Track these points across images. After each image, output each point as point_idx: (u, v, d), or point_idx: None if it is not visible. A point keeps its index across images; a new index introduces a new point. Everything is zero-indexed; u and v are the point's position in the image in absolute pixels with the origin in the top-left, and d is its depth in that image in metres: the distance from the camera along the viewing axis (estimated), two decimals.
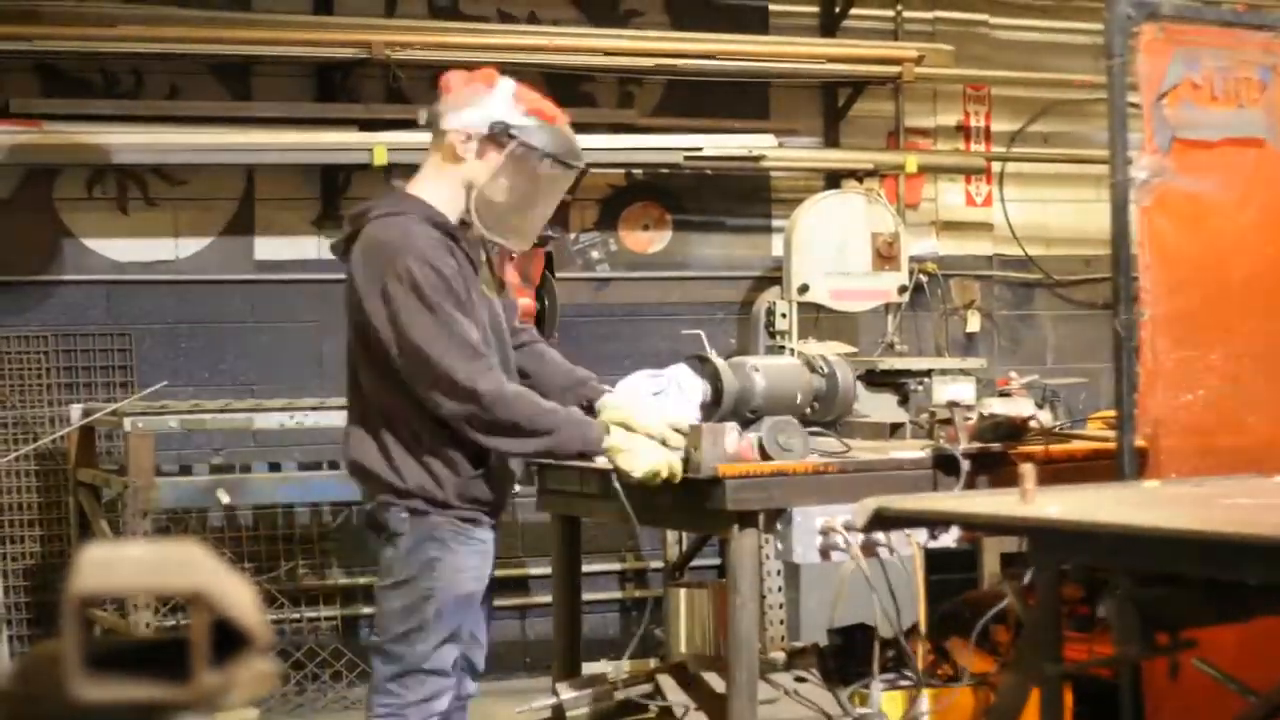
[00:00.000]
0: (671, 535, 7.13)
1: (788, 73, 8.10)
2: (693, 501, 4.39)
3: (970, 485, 4.48)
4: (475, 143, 4.06)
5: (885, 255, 7.72)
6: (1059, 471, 4.42)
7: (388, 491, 4.07)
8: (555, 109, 4.25)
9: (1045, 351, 8.74)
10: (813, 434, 4.77)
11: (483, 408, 3.95)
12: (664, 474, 4.15)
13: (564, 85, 7.81)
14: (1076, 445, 4.89)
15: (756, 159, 7.88)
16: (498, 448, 4.05)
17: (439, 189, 4.10)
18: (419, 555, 4.07)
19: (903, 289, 7.79)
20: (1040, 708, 3.46)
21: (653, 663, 5.74)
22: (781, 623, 7.43)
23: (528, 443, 4.06)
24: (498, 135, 4.06)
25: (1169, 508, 3.57)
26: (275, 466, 7.16)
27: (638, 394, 4.49)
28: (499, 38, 7.59)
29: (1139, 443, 4.41)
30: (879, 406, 5.91)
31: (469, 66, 7.28)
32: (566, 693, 5.04)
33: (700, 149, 7.73)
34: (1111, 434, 4.59)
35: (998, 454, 4.63)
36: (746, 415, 4.81)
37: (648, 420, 4.21)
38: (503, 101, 4.12)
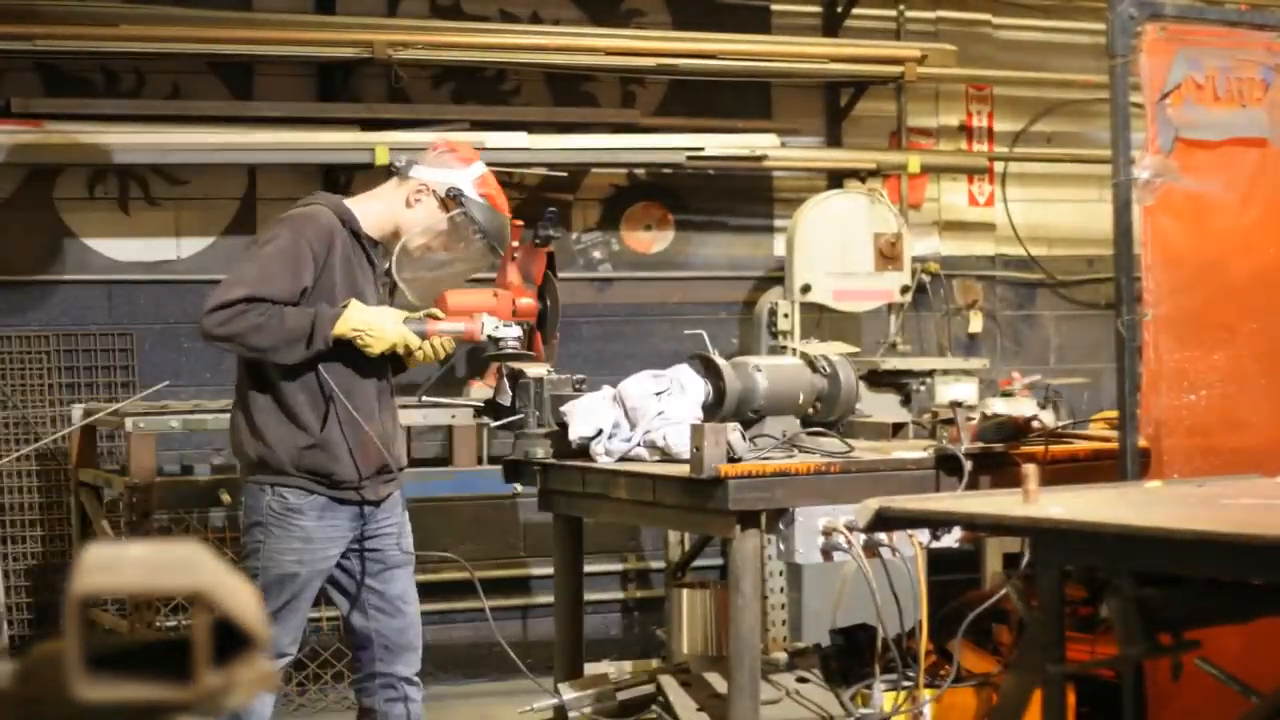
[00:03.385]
0: (674, 536, 7.12)
1: (790, 72, 8.09)
2: (695, 502, 4.39)
3: (972, 485, 4.47)
4: (428, 197, 4.55)
5: (888, 255, 7.72)
6: (1061, 472, 4.42)
7: (241, 467, 4.50)
8: (505, 203, 4.72)
9: (1048, 352, 8.74)
10: (815, 434, 4.77)
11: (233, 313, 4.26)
12: (401, 349, 4.44)
13: (566, 85, 7.82)
14: (1079, 445, 4.89)
15: (759, 159, 7.88)
16: (260, 357, 4.33)
17: (373, 211, 4.55)
18: (245, 538, 4.50)
19: (905, 289, 7.79)
20: (1043, 708, 3.46)
21: (655, 663, 5.73)
22: (783, 623, 7.43)
23: (280, 349, 4.31)
24: (449, 199, 4.54)
25: (1171, 508, 3.57)
26: None
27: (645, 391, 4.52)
28: (501, 37, 7.59)
29: (1141, 443, 4.41)
30: (881, 406, 5.93)
31: (471, 66, 7.25)
32: (568, 693, 5.04)
33: (702, 149, 7.73)
34: (1114, 434, 4.59)
35: (1000, 454, 4.62)
36: (749, 415, 4.81)
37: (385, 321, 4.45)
38: (468, 177, 4.61)
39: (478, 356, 6.36)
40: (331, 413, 4.38)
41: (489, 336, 4.69)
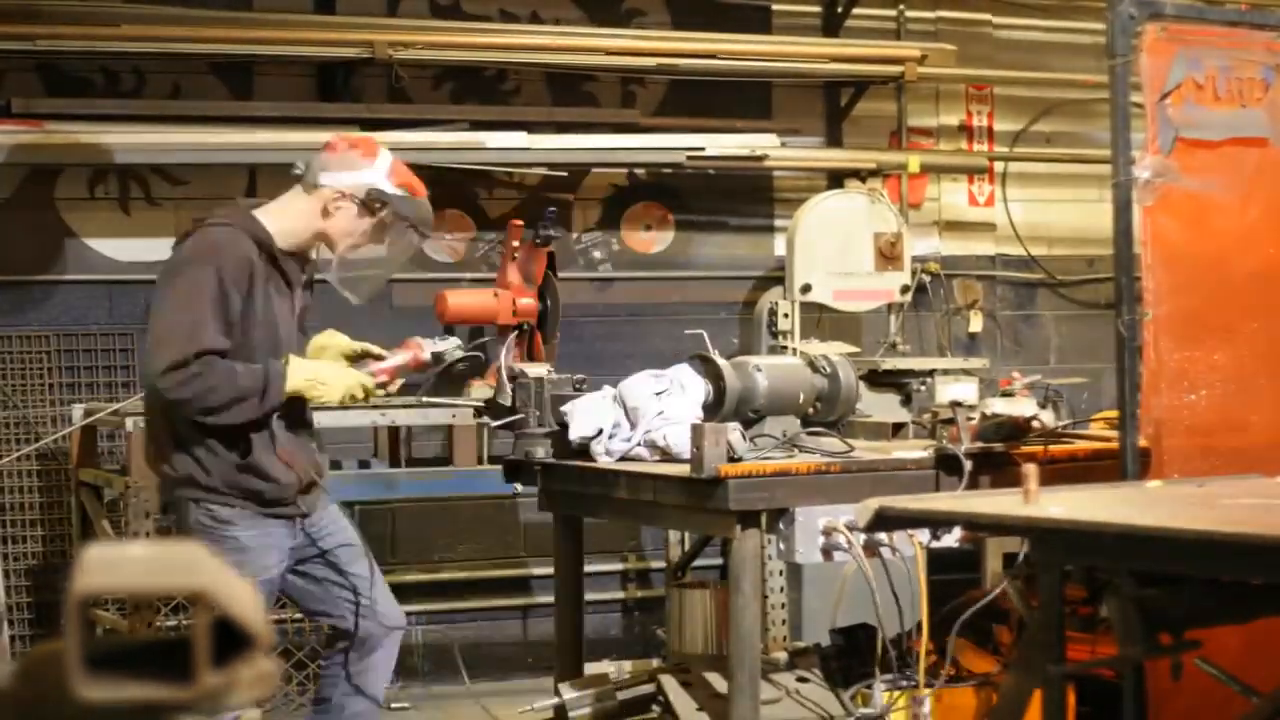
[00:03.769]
0: (674, 535, 7.13)
1: (790, 72, 8.09)
2: (695, 502, 4.39)
3: (972, 485, 4.48)
4: (346, 203, 4.45)
5: (888, 255, 7.72)
6: (1061, 471, 4.42)
7: (166, 481, 4.40)
8: (420, 183, 4.62)
9: (1048, 351, 8.74)
10: (815, 434, 4.77)
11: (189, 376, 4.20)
12: (359, 394, 4.45)
13: (566, 85, 7.82)
14: (1079, 445, 4.89)
15: (759, 159, 7.88)
16: (209, 420, 4.27)
17: (286, 223, 4.45)
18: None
19: (905, 289, 7.79)
20: (1043, 708, 3.46)
21: (655, 663, 5.73)
22: (783, 623, 7.43)
23: (232, 413, 4.25)
24: (371, 201, 4.44)
25: (1172, 508, 3.57)
26: None
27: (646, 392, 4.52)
28: (501, 37, 7.59)
29: (1142, 443, 4.41)
30: (881, 406, 5.93)
31: (471, 66, 7.26)
32: (569, 693, 5.04)
33: (703, 149, 7.73)
34: (1114, 434, 4.59)
35: (1000, 454, 4.63)
36: (749, 415, 4.81)
37: (333, 371, 4.46)
38: (379, 172, 4.50)
39: (476, 359, 6.36)
40: (254, 435, 4.34)
41: (432, 354, 4.70)
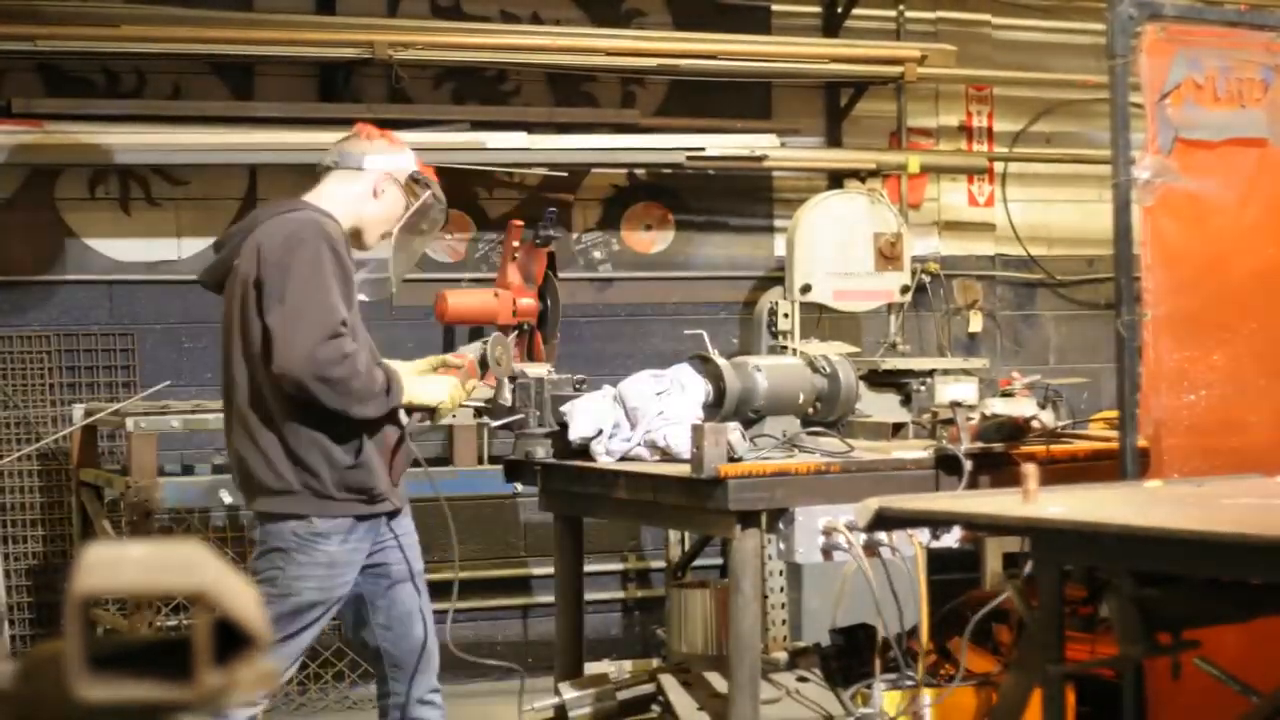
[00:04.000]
0: (674, 535, 7.13)
1: (790, 73, 8.10)
2: (695, 502, 4.39)
3: (972, 485, 4.48)
4: (393, 186, 4.46)
5: (888, 255, 7.72)
6: (1061, 471, 4.42)
7: (267, 494, 4.22)
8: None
9: (1047, 351, 8.74)
10: (815, 434, 4.77)
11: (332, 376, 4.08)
12: (462, 400, 4.50)
13: (566, 85, 7.82)
14: (1078, 445, 4.89)
15: (759, 159, 7.88)
16: (345, 410, 4.14)
17: (338, 208, 4.37)
18: (261, 564, 4.24)
19: (905, 289, 7.79)
20: (1042, 708, 3.46)
21: (655, 662, 5.73)
22: (783, 623, 7.43)
23: (367, 405, 4.16)
24: (413, 184, 4.50)
25: (1171, 508, 3.57)
26: None
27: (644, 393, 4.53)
28: (501, 38, 7.60)
29: (1141, 443, 4.41)
30: (881, 406, 5.92)
31: (471, 66, 7.27)
32: (569, 692, 5.04)
33: (703, 149, 7.73)
34: (1113, 434, 4.59)
35: (1000, 454, 4.63)
36: (749, 415, 4.81)
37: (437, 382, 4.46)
38: (411, 159, 4.57)
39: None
40: (366, 435, 4.23)
41: (479, 358, 4.72)
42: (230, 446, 4.37)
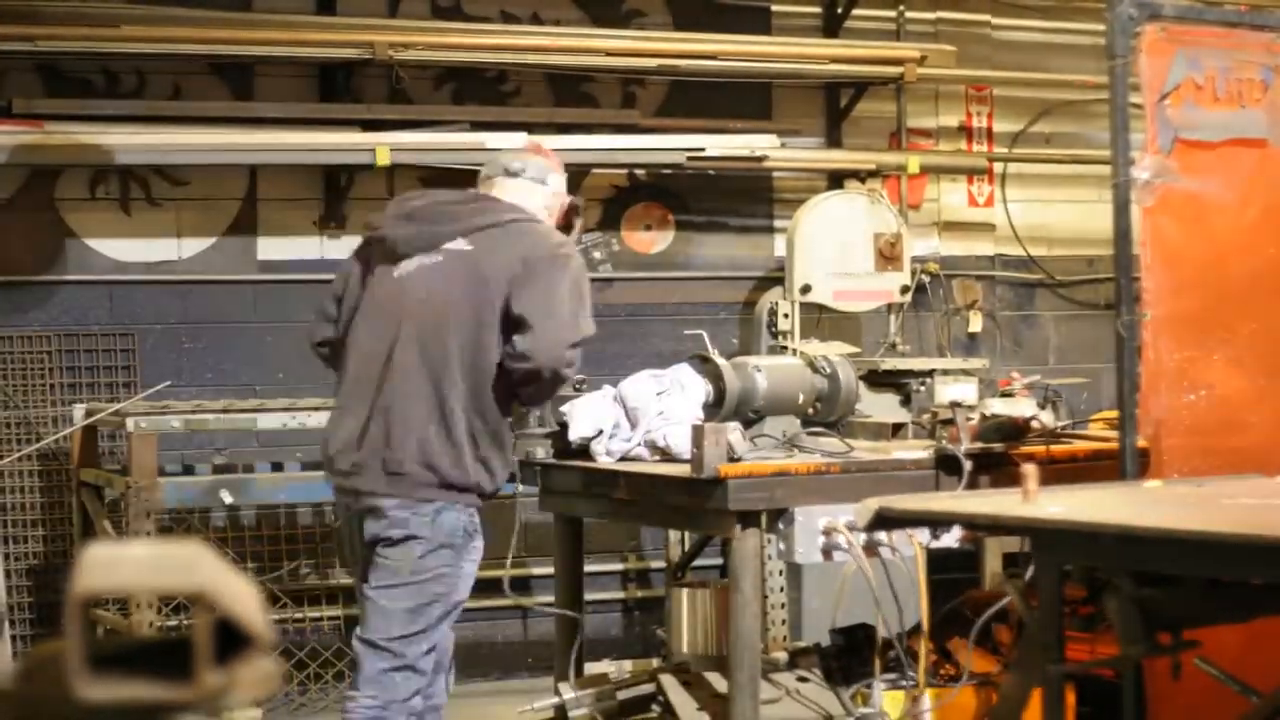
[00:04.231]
0: (674, 535, 7.13)
1: (790, 73, 8.09)
2: (695, 502, 4.39)
3: (972, 485, 4.48)
4: (557, 209, 4.61)
5: (887, 255, 7.72)
6: (1061, 472, 4.43)
7: (445, 489, 4.35)
8: None
9: (1047, 352, 8.74)
10: (815, 434, 4.78)
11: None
12: None
13: (566, 86, 7.82)
14: (1078, 445, 4.90)
15: (759, 159, 7.88)
16: (545, 401, 4.60)
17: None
18: (432, 561, 4.34)
19: (905, 289, 7.79)
20: (1042, 708, 3.46)
21: (655, 662, 5.74)
22: (783, 623, 7.43)
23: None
24: (571, 211, 4.67)
25: (1171, 508, 3.57)
26: (278, 466, 7.16)
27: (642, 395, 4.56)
28: (501, 38, 7.59)
29: (1141, 443, 4.41)
30: (881, 407, 5.91)
31: (471, 67, 7.27)
32: (569, 692, 5.05)
33: (703, 149, 7.73)
34: (1113, 434, 4.59)
35: (999, 454, 4.63)
36: (749, 415, 4.81)
37: None
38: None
39: None
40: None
41: None
42: (389, 417, 4.39)
